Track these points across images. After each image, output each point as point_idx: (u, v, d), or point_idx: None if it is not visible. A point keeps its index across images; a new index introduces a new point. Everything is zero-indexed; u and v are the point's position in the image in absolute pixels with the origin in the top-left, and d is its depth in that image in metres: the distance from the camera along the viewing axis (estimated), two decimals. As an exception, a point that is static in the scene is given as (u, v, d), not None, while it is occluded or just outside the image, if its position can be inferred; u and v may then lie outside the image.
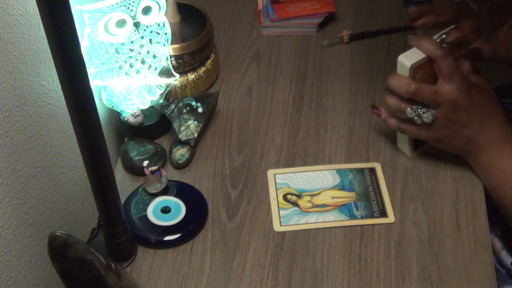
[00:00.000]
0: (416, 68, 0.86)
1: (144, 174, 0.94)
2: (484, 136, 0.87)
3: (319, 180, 0.95)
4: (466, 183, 0.93)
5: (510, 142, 0.87)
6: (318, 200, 0.92)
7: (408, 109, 0.86)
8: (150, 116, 1.01)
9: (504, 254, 0.90)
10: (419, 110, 0.86)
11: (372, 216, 0.90)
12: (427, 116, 0.86)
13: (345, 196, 0.93)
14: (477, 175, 0.93)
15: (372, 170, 0.95)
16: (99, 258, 0.72)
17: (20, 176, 0.78)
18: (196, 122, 0.98)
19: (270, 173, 0.96)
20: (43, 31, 0.63)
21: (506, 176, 0.86)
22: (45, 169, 0.84)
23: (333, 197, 0.92)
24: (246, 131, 1.02)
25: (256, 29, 1.19)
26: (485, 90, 0.89)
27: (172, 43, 0.96)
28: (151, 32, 0.91)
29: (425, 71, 0.87)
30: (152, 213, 0.89)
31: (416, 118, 0.87)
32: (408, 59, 0.86)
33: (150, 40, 0.92)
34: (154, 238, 0.88)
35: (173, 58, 1.01)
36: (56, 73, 0.66)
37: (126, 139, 1.01)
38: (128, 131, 1.01)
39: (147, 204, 0.90)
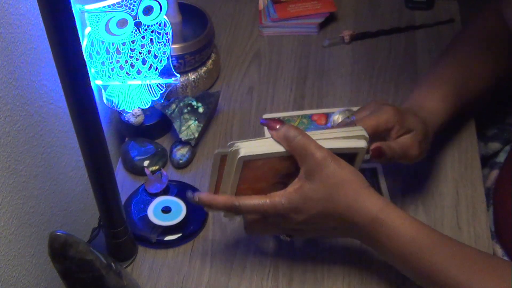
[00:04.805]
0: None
1: (144, 174, 0.94)
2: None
3: (320, 180, 0.94)
4: (467, 183, 0.93)
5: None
6: (319, 200, 0.92)
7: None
8: (151, 116, 1.01)
9: None
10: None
11: (372, 216, 0.90)
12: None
13: (346, 196, 0.92)
14: None
15: (372, 170, 0.95)
16: (99, 258, 0.72)
17: (21, 176, 0.78)
18: (196, 122, 0.98)
19: (271, 173, 0.96)
20: (44, 31, 0.63)
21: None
22: (46, 169, 0.84)
23: (334, 197, 0.92)
24: (247, 131, 1.02)
25: (257, 29, 1.19)
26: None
27: (173, 43, 0.96)
28: (152, 32, 0.91)
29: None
30: (153, 213, 0.89)
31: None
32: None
33: (151, 40, 0.92)
34: (155, 238, 0.88)
35: (174, 58, 1.01)
36: (57, 72, 0.66)
37: (126, 139, 1.01)
38: (129, 131, 1.01)
39: (148, 204, 0.90)
